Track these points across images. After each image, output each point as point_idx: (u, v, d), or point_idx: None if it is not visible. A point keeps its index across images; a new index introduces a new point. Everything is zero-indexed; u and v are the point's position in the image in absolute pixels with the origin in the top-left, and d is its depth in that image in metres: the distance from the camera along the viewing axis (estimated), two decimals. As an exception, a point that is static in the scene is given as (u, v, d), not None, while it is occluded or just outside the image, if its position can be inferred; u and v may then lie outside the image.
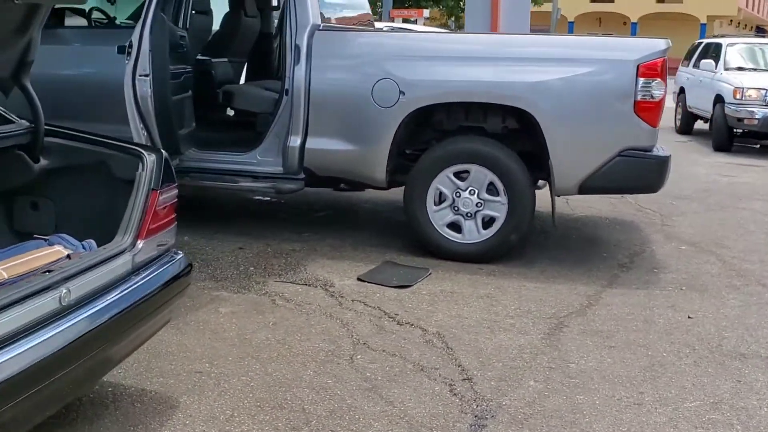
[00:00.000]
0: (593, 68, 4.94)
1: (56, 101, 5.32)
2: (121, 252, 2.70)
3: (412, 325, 4.16)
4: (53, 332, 2.29)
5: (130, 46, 4.65)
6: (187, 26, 5.61)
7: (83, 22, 6.12)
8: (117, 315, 2.59)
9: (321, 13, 5.46)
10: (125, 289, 2.68)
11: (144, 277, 2.80)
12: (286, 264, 5.10)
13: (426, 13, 31.31)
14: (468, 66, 5.16)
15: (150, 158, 2.93)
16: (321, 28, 5.35)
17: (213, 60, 6.35)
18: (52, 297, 2.31)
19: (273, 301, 4.43)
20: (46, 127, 3.05)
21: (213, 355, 3.68)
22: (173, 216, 3.06)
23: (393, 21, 27.91)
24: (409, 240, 5.52)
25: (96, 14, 6.22)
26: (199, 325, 4.04)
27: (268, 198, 6.83)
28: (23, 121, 3.05)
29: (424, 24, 28.77)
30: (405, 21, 29.00)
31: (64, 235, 2.90)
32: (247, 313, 4.22)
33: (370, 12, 7.09)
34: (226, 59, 6.55)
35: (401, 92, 5.13)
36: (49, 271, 2.40)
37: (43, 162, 3.06)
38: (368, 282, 4.81)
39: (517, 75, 5.04)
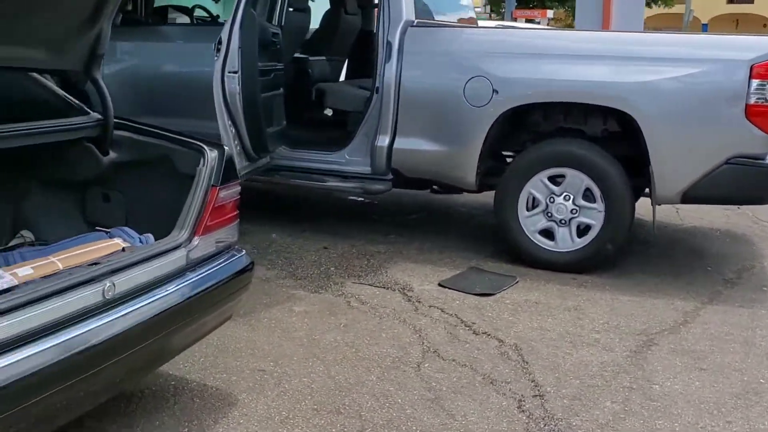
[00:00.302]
0: (702, 68, 4.64)
1: (158, 98, 5.57)
2: (176, 247, 2.73)
3: (489, 335, 4.04)
4: (95, 325, 2.33)
5: (220, 42, 4.75)
6: (282, 24, 5.67)
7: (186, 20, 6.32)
8: (166, 310, 2.61)
9: (418, 10, 5.39)
10: (178, 285, 2.71)
11: (199, 274, 2.82)
12: (368, 266, 5.07)
13: (550, 13, 30.66)
14: (568, 64, 4.97)
15: (211, 154, 2.95)
16: (414, 24, 5.28)
17: (310, 58, 6.41)
18: (95, 290, 2.35)
19: (348, 302, 4.40)
20: (115, 120, 3.13)
21: (279, 354, 3.69)
22: (235, 213, 3.08)
23: (516, 21, 27.51)
24: (499, 246, 5.38)
25: (200, 12, 6.41)
26: (271, 322, 4.06)
27: (362, 198, 6.83)
28: (95, 113, 3.15)
29: (548, 25, 28.17)
30: (528, 22, 28.53)
31: (125, 229, 2.97)
32: (320, 314, 4.21)
33: (474, 17, 6.97)
34: (324, 57, 6.60)
35: (494, 91, 5.00)
36: (95, 264, 2.45)
37: (112, 155, 3.15)
38: (449, 288, 4.71)
39: (620, 75, 4.80)
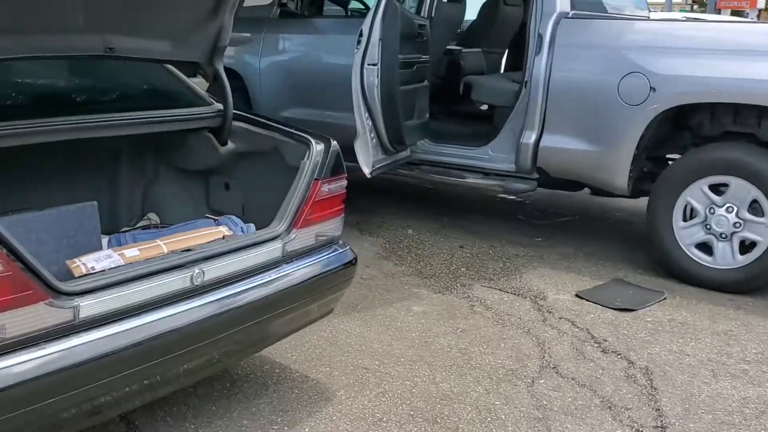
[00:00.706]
0: None
1: (309, 90, 5.73)
2: (272, 239, 2.78)
3: (619, 354, 3.81)
4: (181, 309, 2.42)
5: (360, 35, 4.79)
6: (432, 15, 5.64)
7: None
8: (257, 300, 2.67)
9: (576, 1, 5.18)
10: (271, 276, 2.75)
11: (295, 266, 2.86)
12: (503, 269, 4.95)
13: (761, 3, 28.43)
14: (741, 61, 4.57)
15: (317, 147, 2.98)
16: (569, 16, 5.08)
17: (463, 50, 6.34)
18: (183, 276, 2.44)
19: (471, 306, 4.32)
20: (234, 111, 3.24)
21: (386, 353, 3.68)
22: (339, 207, 3.09)
23: (720, 12, 25.81)
24: (652, 258, 5.07)
25: (355, 5, 6.51)
26: (386, 320, 4.06)
27: (513, 197, 6.68)
28: (217, 104, 3.27)
29: (758, 17, 26.19)
30: (734, 13, 26.67)
31: (232, 217, 3.07)
32: (439, 316, 4.16)
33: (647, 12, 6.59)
34: (479, 50, 6.50)
35: (652, 89, 4.70)
36: (188, 251, 2.54)
37: (230, 145, 3.26)
38: (586, 300, 4.49)
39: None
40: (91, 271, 2.49)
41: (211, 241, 2.74)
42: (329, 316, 3.79)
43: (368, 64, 4.78)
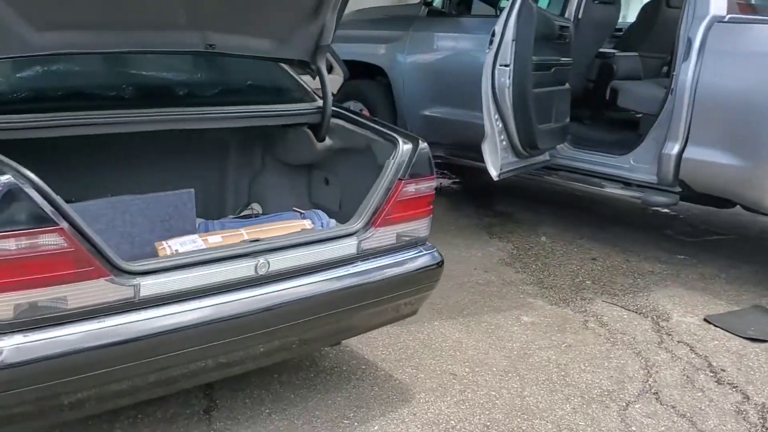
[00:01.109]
0: None
1: (452, 89, 5.77)
2: (346, 235, 2.86)
3: (735, 387, 3.56)
4: (242, 297, 2.55)
5: (493, 34, 4.76)
6: (579, 16, 5.49)
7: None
8: (324, 294, 2.76)
9: (734, 4, 4.86)
10: (343, 272, 2.83)
11: (371, 264, 2.92)
12: (632, 285, 4.75)
13: None
14: None
15: (404, 147, 3.02)
16: (725, 20, 4.77)
17: (617, 54, 6.11)
18: (247, 264, 2.57)
19: (585, 322, 4.18)
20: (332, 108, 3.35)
21: (479, 361, 3.65)
22: (425, 209, 3.11)
23: None
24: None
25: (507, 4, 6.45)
26: (490, 327, 4.03)
27: (665, 210, 6.37)
28: (317, 101, 3.40)
29: None
30: None
31: (319, 212, 3.18)
32: (548, 328, 4.06)
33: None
34: (636, 54, 6.24)
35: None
36: (256, 241, 2.68)
37: (327, 142, 3.37)
38: (714, 325, 4.22)
39: None
40: (175, 254, 2.67)
41: (289, 233, 2.84)
42: (430, 318, 3.87)
43: (500, 65, 4.73)
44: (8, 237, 2.06)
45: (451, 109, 5.87)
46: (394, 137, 3.04)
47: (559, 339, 3.93)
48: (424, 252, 3.12)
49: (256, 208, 3.56)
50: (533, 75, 4.81)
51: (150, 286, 2.34)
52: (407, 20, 6.17)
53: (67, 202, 2.62)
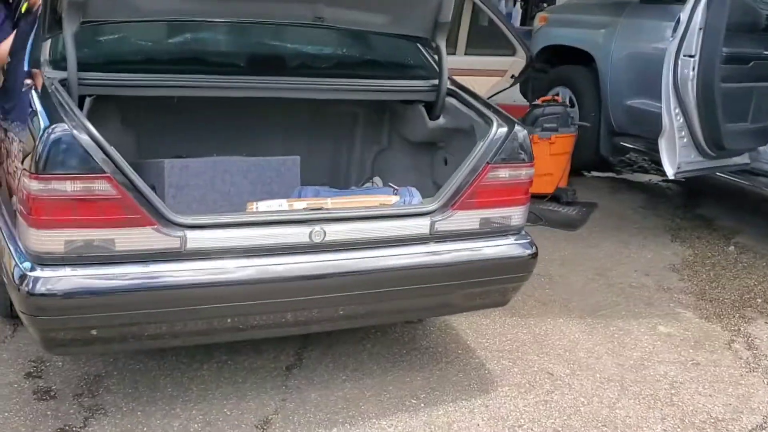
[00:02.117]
0: None
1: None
2: (417, 215, 2.76)
3: None
4: (293, 261, 2.57)
5: (678, 22, 4.26)
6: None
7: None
8: (386, 269, 2.70)
9: None
10: (407, 251, 2.74)
11: (444, 247, 2.79)
12: (812, 312, 4.08)
13: None
14: None
15: (499, 130, 2.86)
16: None
17: None
18: (301, 231, 2.57)
19: (730, 341, 3.71)
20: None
21: (587, 365, 3.39)
22: (519, 197, 2.94)
23: None
24: None
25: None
26: (618, 333, 3.72)
27: None
28: (432, 79, 3.27)
29: None
30: None
31: (412, 190, 3.09)
32: (683, 342, 3.67)
33: None
34: None
35: None
36: (318, 209, 2.66)
37: (440, 120, 3.24)
38: None
39: None
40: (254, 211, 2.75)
41: (384, 212, 2.78)
42: (555, 315, 3.79)
43: (684, 55, 4.24)
44: (61, 179, 2.22)
45: (656, 101, 5.34)
46: (491, 119, 2.89)
47: (689, 355, 3.53)
48: (513, 242, 2.90)
49: (377, 182, 3.54)
50: (724, 68, 4.23)
51: (196, 239, 2.41)
52: (620, 6, 5.74)
53: (177, 158, 2.79)
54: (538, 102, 5.73)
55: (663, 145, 4.41)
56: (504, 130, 2.88)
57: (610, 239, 5.01)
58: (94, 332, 2.45)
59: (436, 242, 2.81)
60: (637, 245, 4.93)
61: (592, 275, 4.39)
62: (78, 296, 2.36)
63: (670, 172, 4.45)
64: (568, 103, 6.13)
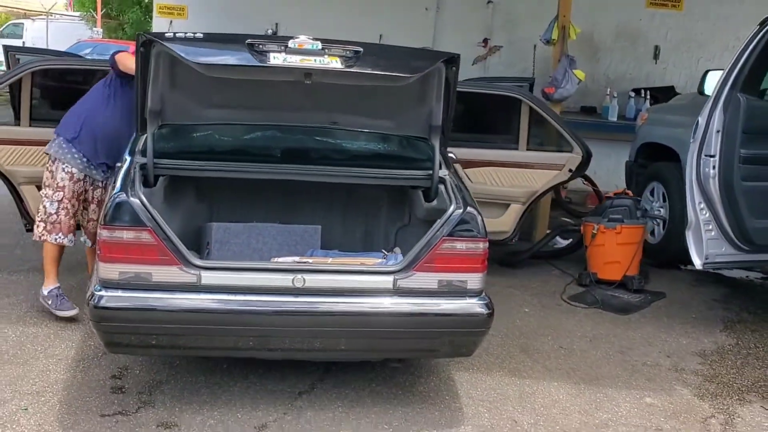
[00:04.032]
0: None
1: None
2: (382, 273, 3.73)
3: None
4: (277, 299, 3.64)
5: (697, 125, 4.91)
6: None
7: None
8: (348, 313, 3.67)
9: None
10: (372, 300, 3.70)
11: (404, 300, 3.71)
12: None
13: None
14: None
15: (455, 212, 3.77)
16: None
17: None
18: (286, 278, 3.63)
19: (707, 418, 4.18)
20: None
21: (552, 419, 4.03)
22: (472, 265, 3.75)
23: None
24: None
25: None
26: (602, 398, 4.31)
27: None
28: (426, 170, 4.23)
29: None
30: None
31: (399, 255, 4.04)
32: (657, 413, 4.19)
33: None
34: None
35: None
36: (304, 262, 3.75)
37: (433, 203, 4.17)
38: None
39: None
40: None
41: (355, 266, 3.82)
42: (552, 379, 4.46)
43: (705, 155, 4.88)
44: (119, 229, 3.49)
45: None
46: (452, 204, 3.77)
47: (657, 423, 4.10)
48: (469, 301, 3.75)
49: (397, 251, 4.47)
50: (745, 168, 4.81)
51: (208, 277, 3.57)
52: (699, 107, 6.33)
53: (227, 221, 4.03)
54: (610, 195, 6.42)
55: (690, 237, 4.98)
56: (459, 211, 3.77)
57: (654, 324, 5.52)
58: (135, 337, 3.66)
59: (398, 296, 3.74)
60: (680, 332, 5.39)
61: (613, 352, 4.97)
62: (125, 310, 3.58)
63: (697, 262, 4.99)
64: (660, 198, 6.76)
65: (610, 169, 9.09)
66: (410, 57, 4.07)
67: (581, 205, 8.86)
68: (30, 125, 5.51)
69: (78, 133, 4.70)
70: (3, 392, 3.95)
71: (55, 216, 4.73)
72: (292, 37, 3.63)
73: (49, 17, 27.23)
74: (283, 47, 3.60)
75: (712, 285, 6.60)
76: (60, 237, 4.73)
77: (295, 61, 3.59)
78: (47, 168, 4.78)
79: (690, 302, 6.07)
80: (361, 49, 3.68)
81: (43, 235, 4.78)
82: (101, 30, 26.79)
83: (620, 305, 5.85)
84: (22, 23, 25.90)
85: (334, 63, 3.64)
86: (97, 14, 27.82)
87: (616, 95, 9.71)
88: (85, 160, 4.69)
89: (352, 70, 3.62)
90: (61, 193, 4.70)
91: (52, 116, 5.21)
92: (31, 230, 5.42)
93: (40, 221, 4.79)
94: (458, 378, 4.42)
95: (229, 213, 4.52)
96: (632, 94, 9.75)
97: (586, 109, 10.16)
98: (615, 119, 9.55)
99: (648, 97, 9.47)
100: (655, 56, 10.45)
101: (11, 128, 5.55)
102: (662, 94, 8.97)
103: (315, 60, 3.62)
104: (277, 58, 3.58)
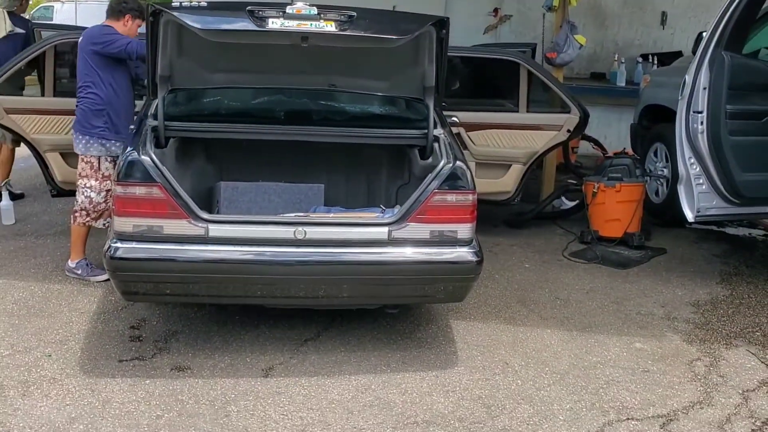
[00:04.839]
0: None
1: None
2: (377, 224, 3.97)
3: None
4: (280, 250, 3.89)
5: (684, 83, 5.08)
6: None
7: None
8: (346, 262, 3.92)
9: None
10: (368, 250, 3.94)
11: (397, 250, 3.95)
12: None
13: None
14: None
15: (445, 166, 3.99)
16: None
17: None
18: (288, 230, 3.88)
19: (693, 360, 4.36)
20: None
21: (543, 361, 4.25)
22: (461, 216, 3.96)
23: None
24: None
25: None
26: (593, 343, 4.52)
27: None
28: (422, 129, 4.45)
29: None
30: None
31: (395, 209, 4.25)
32: (646, 356, 4.38)
33: None
34: None
35: None
36: (302, 215, 4.01)
37: (428, 161, 4.39)
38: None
39: None
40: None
41: (352, 219, 4.08)
42: (550, 327, 4.69)
43: (693, 111, 5.05)
44: (131, 185, 3.76)
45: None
46: (443, 159, 4.01)
47: (644, 365, 4.29)
48: (459, 250, 3.98)
49: (385, 207, 4.66)
50: (733, 123, 4.97)
51: (215, 229, 3.83)
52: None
53: (235, 180, 4.29)
54: (610, 155, 6.60)
55: (681, 191, 5.17)
56: (449, 165, 3.99)
57: (652, 278, 5.70)
58: (149, 286, 3.94)
59: (392, 246, 3.98)
60: (676, 284, 5.57)
61: (608, 303, 5.18)
62: (138, 260, 3.86)
63: (689, 215, 5.17)
64: (663, 158, 6.92)
65: (620, 134, 9.22)
66: (401, 20, 4.27)
67: (591, 169, 9.00)
68: (54, 95, 5.77)
69: (107, 127, 4.95)
70: (29, 341, 4.25)
71: (103, 204, 5.03)
72: (289, 4, 3.86)
73: (78, 0, 27.63)
74: (281, 13, 3.83)
75: (713, 242, 6.75)
76: (107, 221, 4.95)
77: (292, 25, 3.82)
78: (84, 160, 5.04)
79: (690, 257, 6.24)
80: (355, 14, 3.89)
81: (87, 221, 5.09)
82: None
83: (620, 260, 6.04)
84: (52, 6, 26.28)
85: (329, 27, 3.86)
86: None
87: (624, 61, 9.81)
88: (121, 141, 4.84)
89: (345, 33, 3.84)
90: (108, 181, 4.93)
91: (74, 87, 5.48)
92: (56, 195, 5.76)
93: (82, 210, 5.06)
94: (455, 326, 4.66)
95: (237, 173, 4.78)
96: (640, 59, 9.84)
97: (596, 75, 10.30)
98: (623, 85, 9.66)
99: (655, 62, 9.55)
100: (663, 22, 10.51)
101: (36, 99, 5.84)
102: (670, 60, 9.06)
103: (311, 24, 3.84)
104: (275, 23, 3.81)
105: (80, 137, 5.01)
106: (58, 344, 4.24)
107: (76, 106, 5.03)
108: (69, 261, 5.19)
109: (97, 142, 4.98)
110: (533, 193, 7.33)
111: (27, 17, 8.68)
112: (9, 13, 6.95)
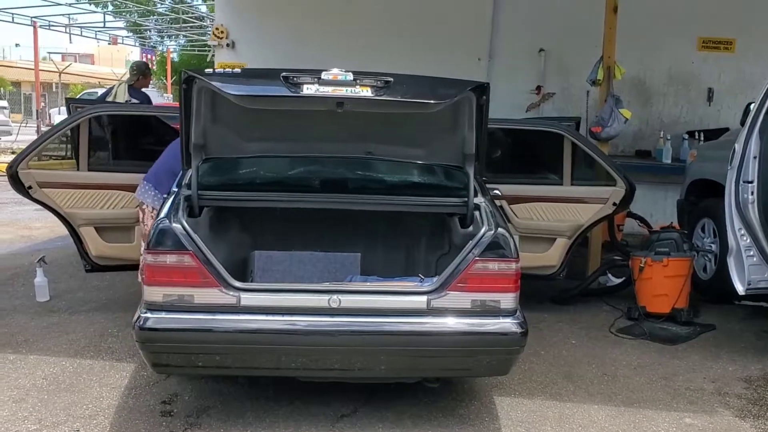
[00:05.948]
0: None
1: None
2: (415, 293, 3.86)
3: None
4: (314, 320, 3.79)
5: (734, 152, 4.95)
6: None
7: None
8: (384, 332, 3.80)
9: None
10: (406, 320, 3.83)
11: (437, 320, 3.83)
12: None
13: None
14: None
15: (486, 233, 3.90)
16: None
17: None
18: (322, 298, 3.79)
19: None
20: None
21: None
22: (504, 285, 3.85)
23: None
24: None
25: None
26: (640, 418, 4.34)
27: None
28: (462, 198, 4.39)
29: None
30: None
31: (433, 279, 4.14)
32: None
33: None
34: None
35: None
36: (335, 283, 3.91)
37: (469, 229, 4.30)
38: None
39: None
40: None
41: (389, 287, 3.97)
42: (597, 403, 4.49)
43: (743, 181, 4.92)
44: (163, 254, 3.72)
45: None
46: (484, 226, 3.92)
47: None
48: (503, 321, 3.84)
49: (422, 276, 4.56)
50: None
51: (247, 298, 3.76)
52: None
53: (269, 250, 4.22)
54: (656, 229, 6.42)
55: (731, 263, 4.99)
56: (491, 233, 3.90)
57: (701, 353, 5.48)
58: (179, 357, 3.84)
59: (432, 315, 3.85)
60: (727, 360, 5.36)
61: (656, 378, 4.97)
62: (168, 331, 3.78)
63: (740, 288, 4.98)
64: (710, 234, 6.73)
65: (666, 211, 9.05)
66: (440, 86, 4.25)
67: (637, 247, 8.81)
68: (88, 170, 5.84)
69: None
70: (57, 416, 4.18)
71: None
72: (324, 70, 3.85)
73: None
74: (316, 79, 3.82)
75: (763, 318, 6.54)
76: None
77: (327, 91, 3.80)
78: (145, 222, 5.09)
79: (740, 333, 6.04)
80: (392, 79, 3.87)
81: None
82: (171, 96, 28.03)
83: (668, 336, 5.86)
84: (96, 92, 27.23)
85: (365, 92, 3.84)
86: (167, 81, 29.05)
87: (669, 137, 9.70)
88: None
89: (381, 98, 3.81)
90: None
91: (109, 161, 5.53)
92: (91, 270, 5.74)
93: None
94: (499, 402, 4.49)
95: (272, 242, 4.73)
96: (686, 136, 9.73)
97: (641, 153, 10.20)
98: (669, 161, 9.53)
99: (702, 139, 9.42)
100: (709, 98, 10.42)
101: (70, 173, 5.91)
102: (716, 136, 8.94)
103: (346, 90, 3.83)
104: (310, 89, 3.80)
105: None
106: (87, 419, 4.16)
107: None
108: None
109: None
110: (579, 270, 7.16)
111: (150, 91, 9.33)
112: (129, 86, 7.72)
